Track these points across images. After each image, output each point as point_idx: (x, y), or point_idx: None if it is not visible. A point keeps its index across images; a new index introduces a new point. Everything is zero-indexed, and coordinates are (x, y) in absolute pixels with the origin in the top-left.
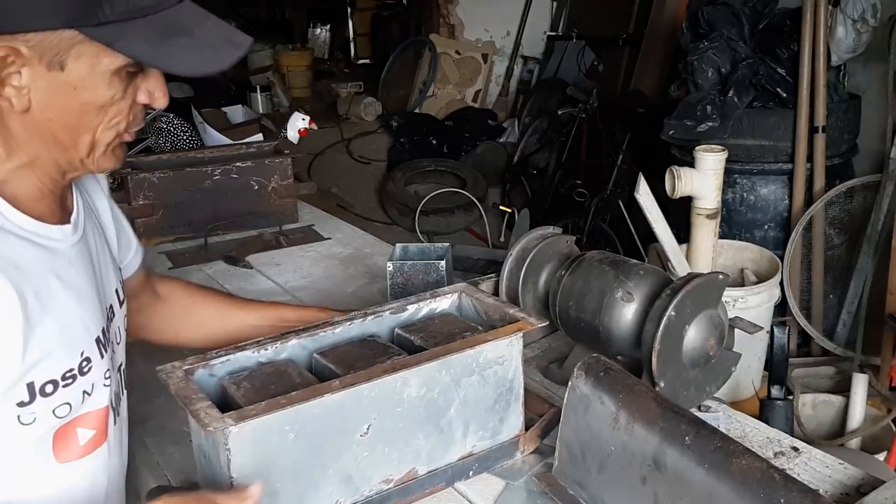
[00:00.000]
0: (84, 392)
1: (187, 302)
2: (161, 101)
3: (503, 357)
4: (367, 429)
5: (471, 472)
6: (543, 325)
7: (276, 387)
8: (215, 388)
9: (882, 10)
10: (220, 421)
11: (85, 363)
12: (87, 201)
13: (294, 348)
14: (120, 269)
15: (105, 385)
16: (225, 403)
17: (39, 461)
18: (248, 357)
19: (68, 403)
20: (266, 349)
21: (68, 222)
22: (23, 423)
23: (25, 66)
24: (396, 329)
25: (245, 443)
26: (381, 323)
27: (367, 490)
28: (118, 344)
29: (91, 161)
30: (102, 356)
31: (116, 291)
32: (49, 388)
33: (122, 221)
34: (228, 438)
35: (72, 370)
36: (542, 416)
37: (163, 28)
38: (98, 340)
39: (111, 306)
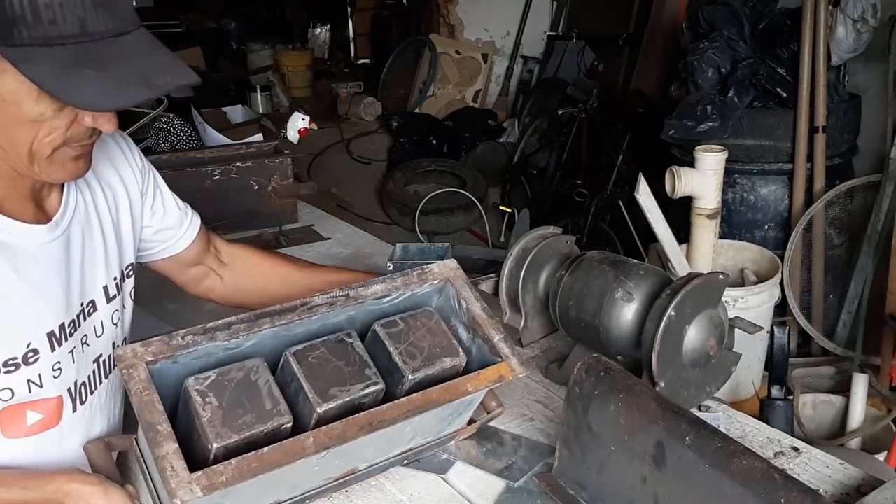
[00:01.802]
0: (29, 381)
1: (251, 268)
2: (106, 127)
3: None
4: (325, 453)
5: (405, 462)
6: (524, 374)
7: (243, 411)
8: (176, 381)
9: (882, 10)
10: (188, 490)
11: (31, 354)
12: (95, 199)
13: (266, 337)
14: (132, 263)
15: (54, 377)
16: (185, 407)
17: None
18: (216, 346)
19: (10, 389)
20: (237, 337)
21: (45, 222)
22: None
23: None
24: (374, 326)
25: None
26: (361, 308)
27: (307, 489)
28: (98, 337)
29: (38, 170)
30: (54, 349)
31: (105, 288)
32: None
33: (165, 200)
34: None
35: (14, 358)
36: (490, 412)
37: (75, 59)
38: (51, 334)
39: (92, 301)
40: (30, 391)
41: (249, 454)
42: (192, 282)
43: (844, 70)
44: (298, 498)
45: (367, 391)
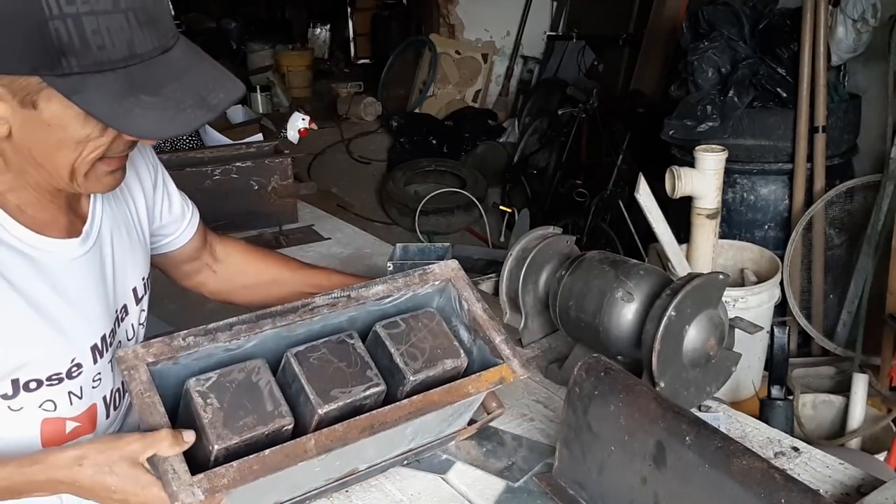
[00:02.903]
0: (70, 393)
1: (243, 266)
2: (147, 141)
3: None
4: (326, 455)
5: (405, 462)
6: (525, 376)
7: (244, 412)
8: (177, 381)
9: (882, 10)
10: (190, 493)
11: (75, 368)
12: (117, 201)
13: (267, 338)
14: (149, 254)
15: (93, 387)
16: (186, 408)
17: (25, 444)
18: (216, 347)
19: (52, 401)
20: (238, 339)
21: (78, 234)
22: (12, 410)
23: (2, 101)
24: (376, 327)
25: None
26: (362, 309)
27: (308, 489)
28: (129, 340)
29: (76, 185)
30: (96, 361)
31: (135, 289)
32: (33, 385)
33: (170, 194)
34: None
35: (59, 373)
36: (490, 413)
37: (129, 84)
38: (94, 347)
39: (125, 306)
40: (70, 403)
41: (251, 457)
42: (185, 276)
43: (844, 70)
44: (299, 498)
45: (368, 392)
